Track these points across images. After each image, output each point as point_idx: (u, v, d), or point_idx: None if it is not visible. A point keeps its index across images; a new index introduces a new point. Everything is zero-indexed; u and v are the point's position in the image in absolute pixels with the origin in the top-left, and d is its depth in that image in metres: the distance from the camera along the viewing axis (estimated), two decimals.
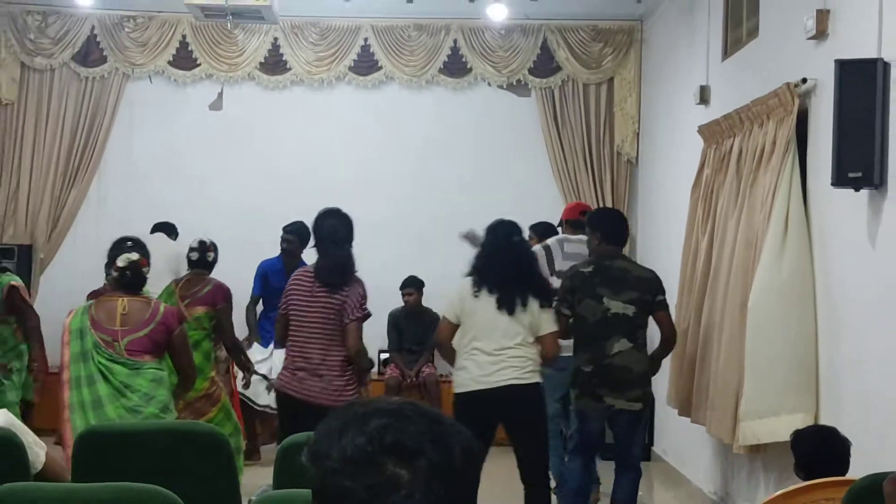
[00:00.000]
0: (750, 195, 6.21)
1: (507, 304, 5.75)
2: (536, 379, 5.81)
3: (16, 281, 6.92)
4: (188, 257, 7.04)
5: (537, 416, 5.87)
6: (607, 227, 6.43)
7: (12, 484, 3.13)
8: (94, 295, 6.95)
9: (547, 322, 5.84)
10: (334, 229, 5.94)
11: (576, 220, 7.59)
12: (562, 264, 7.08)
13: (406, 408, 1.52)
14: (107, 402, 5.05)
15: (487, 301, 5.77)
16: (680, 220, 8.02)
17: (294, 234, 8.38)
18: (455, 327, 5.86)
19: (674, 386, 7.25)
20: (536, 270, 6.18)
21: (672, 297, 7.66)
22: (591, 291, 6.05)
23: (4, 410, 4.05)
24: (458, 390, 5.87)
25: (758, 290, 5.61)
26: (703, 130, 7.25)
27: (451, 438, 1.50)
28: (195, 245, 6.98)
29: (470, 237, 6.84)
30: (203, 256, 6.94)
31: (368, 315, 5.86)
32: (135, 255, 5.44)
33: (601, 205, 10.04)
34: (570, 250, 7.33)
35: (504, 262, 5.87)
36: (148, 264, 5.59)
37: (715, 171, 6.99)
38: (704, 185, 7.17)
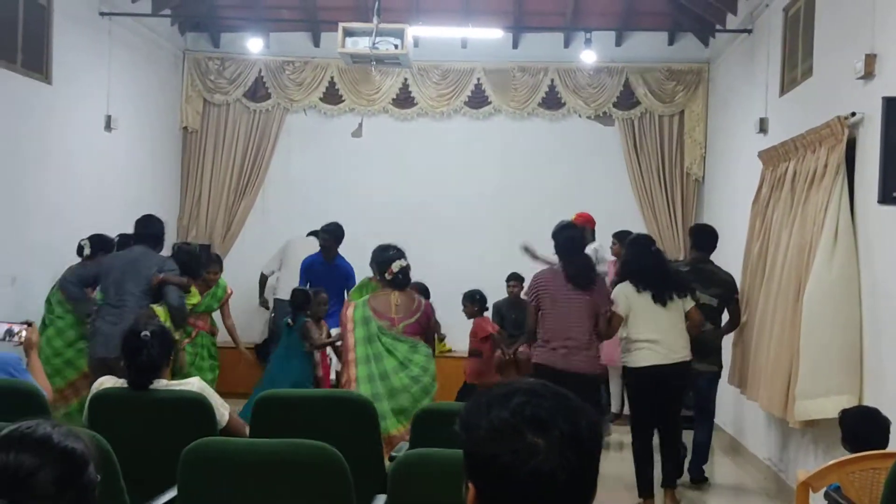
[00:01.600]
0: (802, 210, 6.10)
1: (660, 299, 6.07)
2: (689, 357, 6.13)
3: (229, 287, 7.24)
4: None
5: (685, 385, 6.35)
6: (702, 239, 7.01)
7: (205, 438, 3.17)
8: None
9: (688, 303, 6.17)
10: (572, 239, 6.14)
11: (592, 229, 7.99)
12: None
13: (540, 388, 1.53)
14: (392, 373, 5.30)
15: (646, 297, 6.06)
16: (738, 229, 7.90)
17: (329, 234, 8.36)
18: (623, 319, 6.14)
19: (735, 368, 7.15)
20: (672, 270, 6.50)
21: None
22: None
23: (197, 378, 4.12)
24: (632, 366, 6.11)
25: (811, 289, 5.51)
26: (762, 155, 7.13)
27: (578, 414, 1.50)
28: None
29: (528, 249, 7.47)
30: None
31: (612, 302, 6.11)
32: (405, 262, 5.67)
33: (673, 217, 9.97)
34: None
35: (651, 266, 6.16)
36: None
37: (772, 190, 6.87)
38: (762, 202, 7.06)
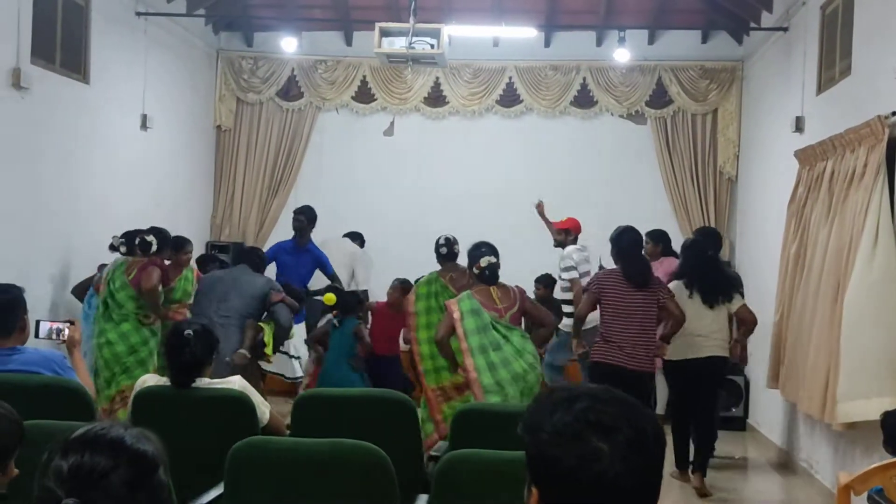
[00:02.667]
0: (841, 210, 6.04)
1: (709, 301, 6.51)
2: (727, 353, 6.59)
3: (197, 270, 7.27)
4: (438, 251, 6.69)
5: (722, 378, 6.95)
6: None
7: (252, 437, 3.20)
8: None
9: (736, 302, 6.58)
10: (634, 241, 6.36)
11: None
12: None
13: (602, 393, 1.53)
14: (511, 360, 5.44)
15: (696, 299, 6.49)
16: (772, 227, 7.87)
17: (303, 214, 8.39)
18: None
19: (771, 369, 7.11)
20: (725, 274, 6.90)
21: (770, 294, 7.56)
22: None
23: (239, 377, 4.15)
24: (674, 359, 6.49)
25: (852, 290, 5.46)
26: (798, 154, 7.07)
27: (642, 419, 1.50)
28: (443, 241, 6.73)
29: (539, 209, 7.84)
30: (451, 250, 6.72)
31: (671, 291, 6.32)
32: (493, 258, 5.86)
33: (706, 216, 9.91)
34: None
35: (705, 272, 6.62)
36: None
37: (809, 190, 6.81)
38: (798, 202, 7.00)
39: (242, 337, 6.41)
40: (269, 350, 6.65)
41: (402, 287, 7.48)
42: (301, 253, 8.24)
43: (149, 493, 1.60)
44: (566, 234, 8.03)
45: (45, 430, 2.80)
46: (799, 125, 7.42)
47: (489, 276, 5.81)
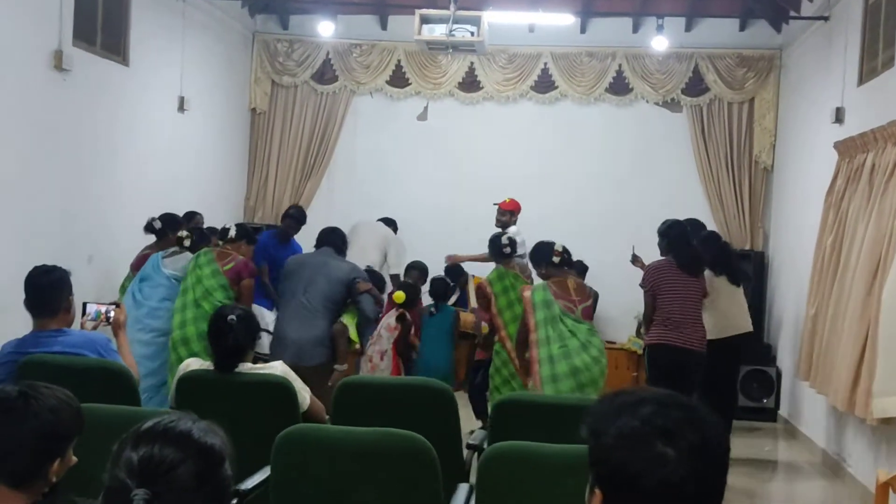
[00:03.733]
0: (880, 203, 6.01)
1: (734, 281, 7.21)
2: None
3: None
4: (502, 251, 6.85)
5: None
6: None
7: (299, 425, 3.23)
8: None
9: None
10: (683, 233, 6.67)
11: None
12: None
13: (667, 398, 1.53)
14: (574, 353, 5.50)
15: (722, 280, 7.15)
16: (808, 218, 7.81)
17: (295, 221, 8.16)
18: None
19: (804, 361, 7.08)
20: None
21: (804, 285, 7.53)
22: None
23: (280, 362, 4.21)
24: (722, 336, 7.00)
25: (890, 284, 5.43)
26: (838, 146, 7.01)
27: (707, 424, 1.50)
28: (507, 241, 6.86)
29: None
30: (514, 249, 6.89)
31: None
32: (560, 247, 5.95)
33: (741, 205, 9.85)
34: None
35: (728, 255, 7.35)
36: None
37: (848, 182, 6.75)
38: (837, 193, 6.94)
39: (327, 326, 6.09)
40: (355, 338, 6.42)
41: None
42: (284, 246, 8.13)
43: (215, 485, 1.63)
44: (510, 214, 8.27)
45: (91, 413, 2.84)
46: (839, 116, 7.34)
47: (568, 258, 5.99)
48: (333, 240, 6.49)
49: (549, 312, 5.60)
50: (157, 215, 6.98)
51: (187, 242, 6.52)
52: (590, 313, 5.80)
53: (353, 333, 6.38)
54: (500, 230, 7.76)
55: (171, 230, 6.88)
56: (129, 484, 1.56)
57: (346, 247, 6.61)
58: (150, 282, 6.40)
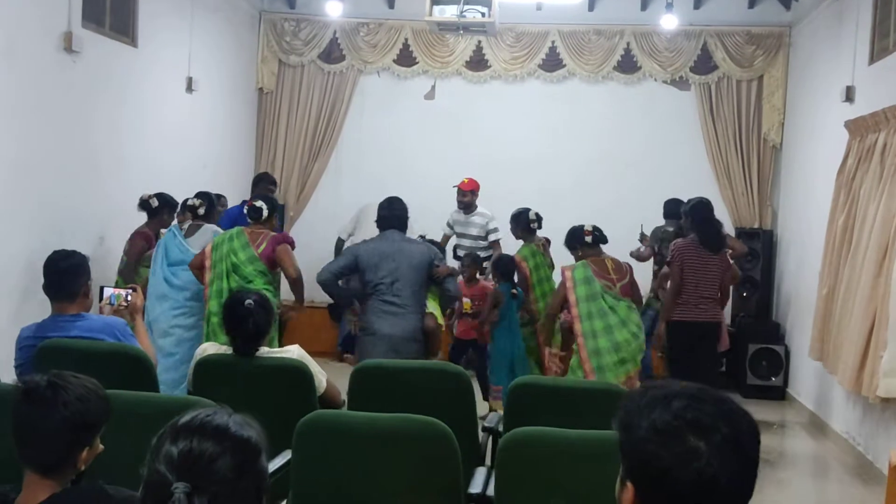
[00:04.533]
0: (891, 183, 6.01)
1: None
2: None
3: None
4: (529, 225, 7.33)
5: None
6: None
7: (320, 411, 3.26)
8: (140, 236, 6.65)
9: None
10: (706, 213, 6.86)
11: None
12: None
13: (699, 392, 1.54)
14: (615, 329, 5.61)
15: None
16: (818, 197, 7.80)
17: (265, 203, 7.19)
18: None
19: (815, 340, 7.10)
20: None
21: (813, 264, 7.53)
22: None
23: (297, 346, 4.20)
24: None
25: None
26: (849, 125, 6.99)
27: (739, 418, 1.52)
28: (534, 216, 7.36)
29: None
30: (540, 225, 7.43)
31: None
32: (590, 227, 6.05)
33: (749, 184, 9.84)
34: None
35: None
36: None
37: (859, 161, 6.74)
38: (848, 173, 6.93)
39: (419, 320, 5.85)
40: (441, 321, 6.35)
41: (474, 263, 7.56)
42: None
43: (253, 478, 1.66)
44: (472, 195, 8.30)
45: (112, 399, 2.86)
46: (849, 95, 7.31)
47: (599, 235, 6.05)
48: (400, 216, 6.06)
49: (591, 289, 5.70)
50: (149, 193, 6.79)
51: (201, 210, 6.43)
52: (628, 290, 5.87)
53: (438, 317, 6.42)
54: (466, 211, 8.14)
55: (167, 210, 6.78)
56: (170, 477, 1.58)
57: (408, 217, 6.14)
58: (184, 265, 6.21)
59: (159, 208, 6.76)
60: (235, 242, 5.95)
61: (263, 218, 6.10)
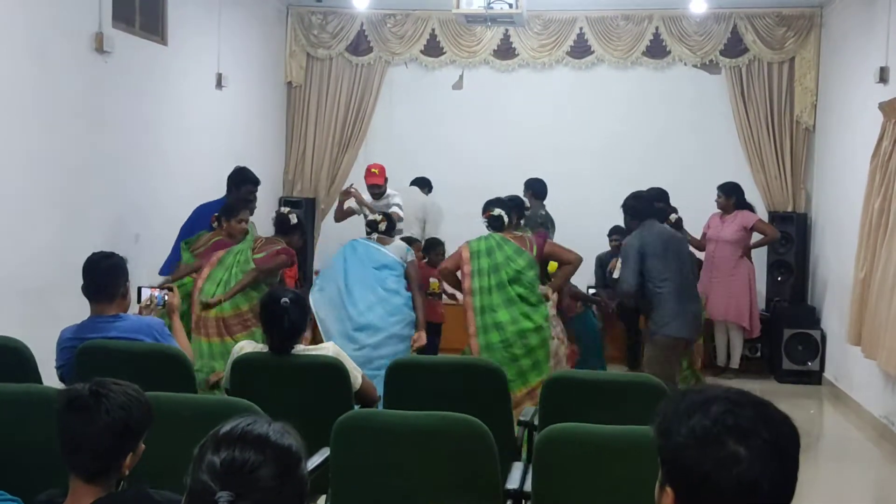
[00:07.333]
0: None
1: None
2: None
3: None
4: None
5: None
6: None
7: (358, 410, 3.29)
8: None
9: None
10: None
11: None
12: None
13: (738, 396, 1.54)
14: (507, 325, 5.71)
15: None
16: (853, 179, 7.70)
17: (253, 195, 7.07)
18: None
19: (853, 326, 7.03)
20: None
21: (849, 247, 7.45)
22: None
23: (332, 342, 4.29)
24: None
25: None
26: (884, 106, 6.89)
27: (779, 422, 1.51)
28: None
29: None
30: None
31: None
32: (495, 211, 6.19)
33: (782, 167, 9.71)
34: None
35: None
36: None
37: (894, 143, 6.66)
38: (883, 155, 6.84)
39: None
40: None
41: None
42: None
43: (294, 485, 1.67)
44: (384, 180, 8.26)
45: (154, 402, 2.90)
46: (883, 76, 7.21)
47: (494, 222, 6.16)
48: (654, 210, 6.42)
49: (489, 280, 5.83)
50: (283, 209, 6.56)
51: (382, 227, 6.57)
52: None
53: None
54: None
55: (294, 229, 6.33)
56: (213, 486, 1.60)
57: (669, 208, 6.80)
58: (388, 269, 6.34)
59: (297, 225, 6.34)
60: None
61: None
